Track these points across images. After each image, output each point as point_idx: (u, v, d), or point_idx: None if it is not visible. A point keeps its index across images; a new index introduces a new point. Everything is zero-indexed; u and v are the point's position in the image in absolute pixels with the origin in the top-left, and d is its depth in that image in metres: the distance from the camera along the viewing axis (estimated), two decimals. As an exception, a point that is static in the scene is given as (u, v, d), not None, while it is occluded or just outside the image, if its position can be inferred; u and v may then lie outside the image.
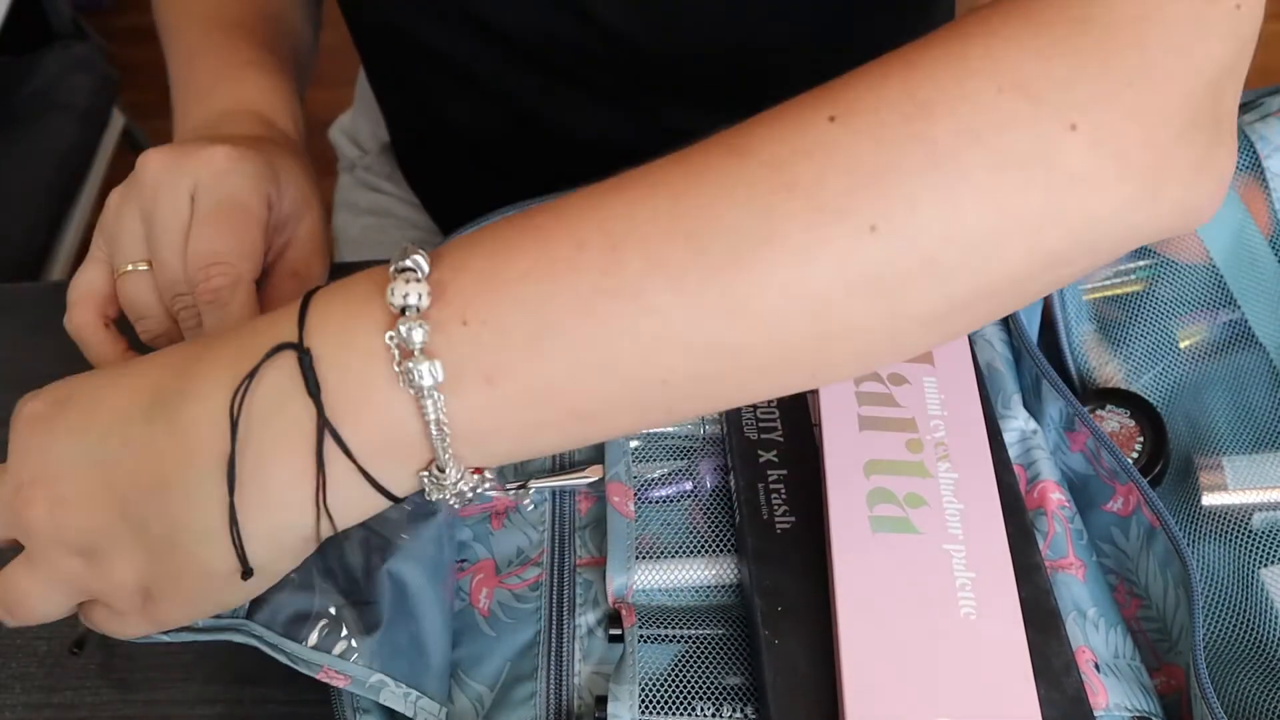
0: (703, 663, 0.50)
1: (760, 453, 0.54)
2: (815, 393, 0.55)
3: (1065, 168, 0.36)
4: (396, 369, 0.37)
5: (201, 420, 0.39)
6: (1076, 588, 0.53)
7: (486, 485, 0.41)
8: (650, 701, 0.48)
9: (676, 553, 0.53)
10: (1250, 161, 0.62)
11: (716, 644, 0.50)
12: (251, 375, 0.38)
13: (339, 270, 0.60)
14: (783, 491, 0.52)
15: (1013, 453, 0.56)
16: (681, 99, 0.75)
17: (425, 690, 0.49)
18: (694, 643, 0.50)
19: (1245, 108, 0.66)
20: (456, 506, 0.42)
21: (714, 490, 0.55)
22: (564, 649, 0.51)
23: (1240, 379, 0.59)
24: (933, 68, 0.37)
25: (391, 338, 0.37)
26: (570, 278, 0.37)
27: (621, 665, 0.49)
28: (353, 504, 0.40)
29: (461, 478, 0.40)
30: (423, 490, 0.41)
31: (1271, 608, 0.52)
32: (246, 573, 0.40)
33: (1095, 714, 0.47)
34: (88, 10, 1.90)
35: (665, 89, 0.74)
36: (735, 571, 0.52)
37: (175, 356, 0.41)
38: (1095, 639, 0.51)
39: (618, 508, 0.53)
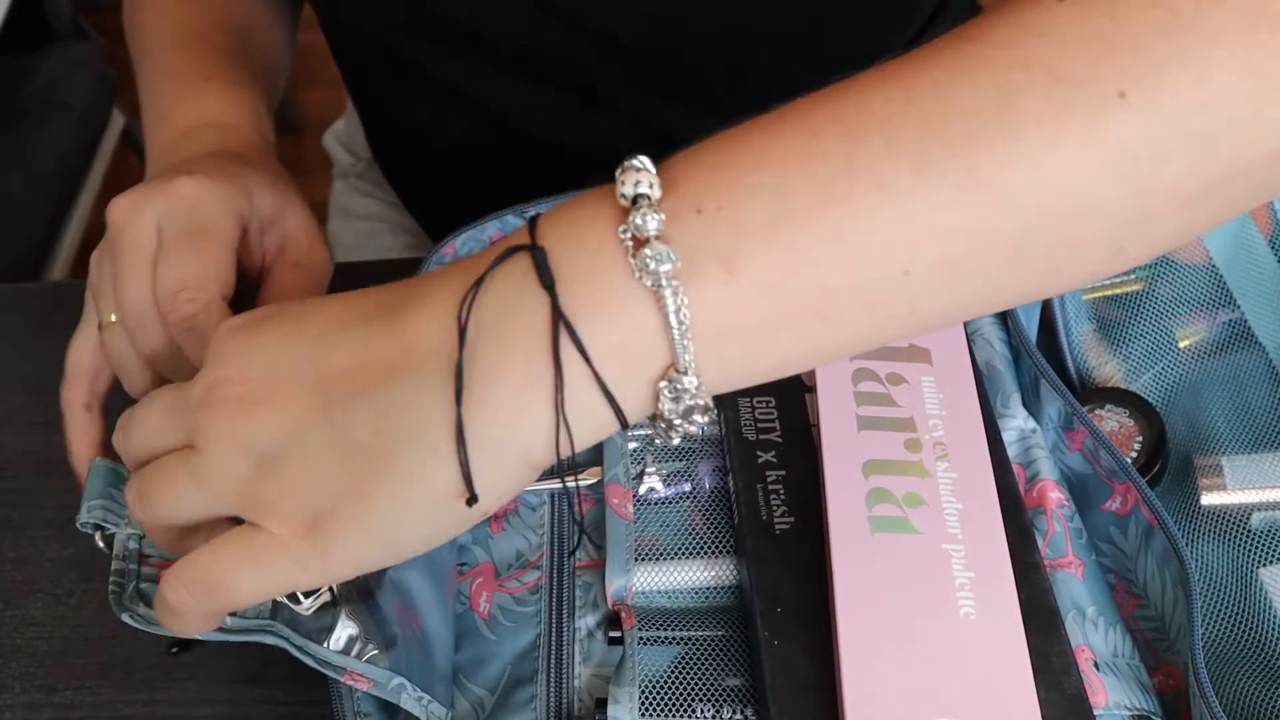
0: (702, 664, 0.50)
1: (759, 453, 0.54)
2: (813, 393, 0.55)
3: None
4: (632, 260, 0.35)
5: (428, 322, 0.37)
6: (1075, 586, 0.53)
7: (709, 417, 0.38)
8: (650, 703, 0.48)
9: (675, 554, 0.53)
10: None
11: (716, 645, 0.50)
12: (481, 280, 0.36)
13: (338, 271, 0.60)
14: (781, 492, 0.52)
15: (1012, 452, 0.56)
16: (671, 100, 0.75)
17: (434, 694, 0.49)
18: (693, 644, 0.50)
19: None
20: (674, 440, 0.39)
21: (713, 492, 0.55)
22: (564, 652, 0.51)
23: (1239, 379, 0.59)
24: None
25: (624, 230, 0.35)
26: (806, 164, 0.35)
27: (621, 668, 0.49)
28: (583, 418, 0.37)
29: (699, 389, 0.36)
30: (653, 418, 0.38)
31: (1270, 607, 0.52)
32: (472, 499, 0.37)
33: (1095, 713, 0.47)
34: (88, 10, 1.90)
35: (654, 91, 0.74)
36: (734, 573, 0.52)
37: (399, 283, 0.40)
38: (1094, 637, 0.51)
39: (617, 510, 0.53)
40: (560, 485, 0.56)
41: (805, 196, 0.35)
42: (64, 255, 1.58)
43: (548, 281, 0.36)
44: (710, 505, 0.55)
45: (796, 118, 0.36)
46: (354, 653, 0.46)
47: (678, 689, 0.49)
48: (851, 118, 0.36)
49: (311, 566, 0.39)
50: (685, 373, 0.36)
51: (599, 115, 0.76)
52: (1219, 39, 0.34)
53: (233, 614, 0.44)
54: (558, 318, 0.35)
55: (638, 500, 0.55)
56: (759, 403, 0.55)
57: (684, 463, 0.56)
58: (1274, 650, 0.51)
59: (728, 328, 0.36)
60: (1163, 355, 0.60)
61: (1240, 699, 0.50)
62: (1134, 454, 0.57)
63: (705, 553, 0.53)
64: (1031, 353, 0.57)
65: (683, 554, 0.53)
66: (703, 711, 0.48)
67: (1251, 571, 0.53)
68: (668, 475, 0.55)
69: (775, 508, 0.52)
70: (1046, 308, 0.61)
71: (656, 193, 0.36)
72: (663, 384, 0.36)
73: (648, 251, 0.35)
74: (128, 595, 0.47)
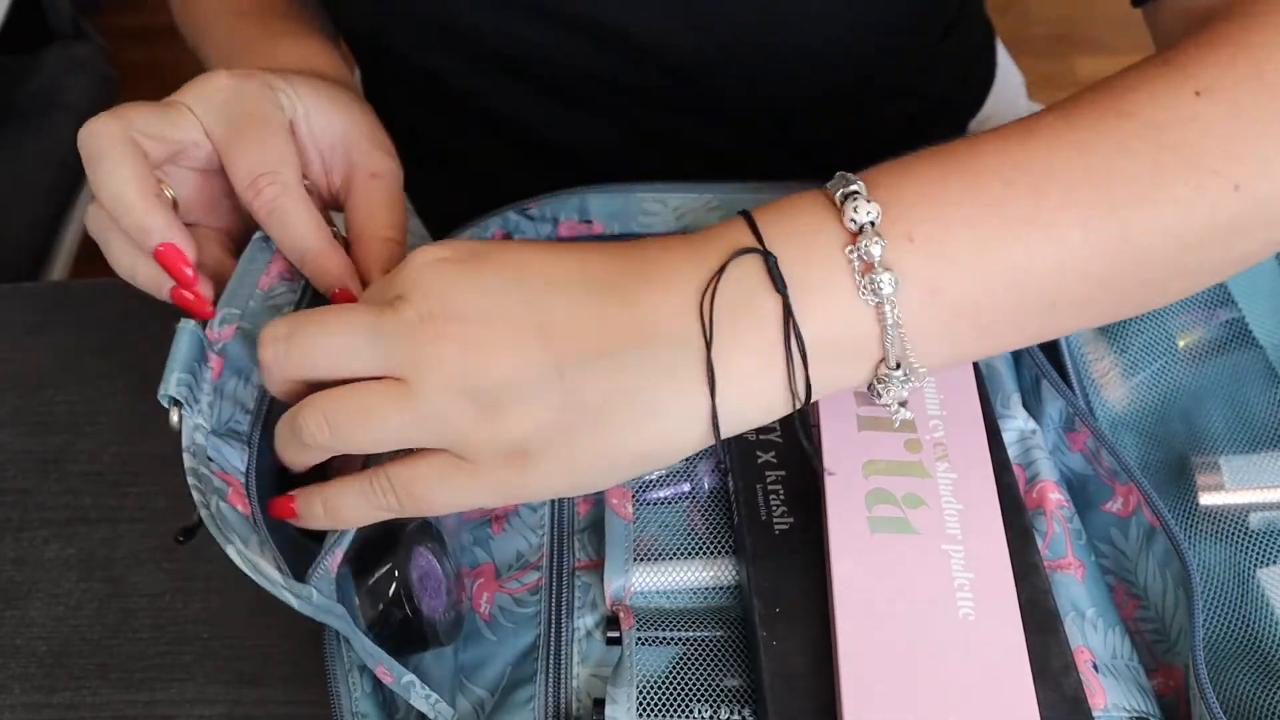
0: (701, 665, 0.50)
1: (758, 454, 0.54)
2: None
3: None
4: (859, 278, 0.42)
5: (663, 305, 0.42)
6: (1075, 588, 0.53)
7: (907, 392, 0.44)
8: (648, 704, 0.48)
9: (674, 555, 0.53)
10: None
11: (714, 646, 0.50)
12: (719, 273, 0.42)
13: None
14: (781, 492, 0.52)
15: (1012, 453, 0.56)
16: (691, 114, 0.74)
17: (442, 694, 0.49)
18: (692, 645, 0.50)
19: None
20: (899, 413, 0.46)
21: (712, 492, 0.55)
22: (562, 652, 0.51)
23: (1238, 378, 0.59)
24: (1269, 50, 0.43)
25: (851, 251, 0.42)
26: (999, 209, 0.42)
27: (619, 668, 0.49)
28: (776, 402, 0.43)
29: (910, 377, 0.44)
30: (870, 389, 0.45)
31: (1269, 607, 0.52)
32: (717, 433, 0.43)
33: (1093, 714, 0.47)
34: (88, 10, 1.90)
35: (677, 106, 0.74)
36: (733, 573, 0.53)
37: (615, 248, 0.44)
38: (1094, 639, 0.51)
39: (616, 510, 0.54)
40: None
41: (995, 237, 0.42)
42: (64, 255, 1.58)
43: (781, 287, 0.42)
44: (709, 505, 0.55)
45: (988, 163, 0.43)
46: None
47: (676, 689, 0.49)
48: (1036, 172, 0.42)
49: (506, 494, 0.43)
50: (895, 367, 0.43)
51: (624, 132, 0.76)
52: None
53: (318, 591, 0.44)
54: (789, 317, 0.42)
55: (636, 500, 0.55)
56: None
57: (683, 463, 0.56)
58: (1272, 651, 0.51)
59: (928, 334, 0.43)
60: (1160, 354, 0.60)
61: (1238, 699, 0.50)
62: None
63: (704, 553, 0.53)
64: (1033, 353, 0.57)
65: (682, 554, 0.53)
66: (700, 712, 0.48)
67: (1250, 572, 0.53)
68: (666, 475, 0.55)
69: (775, 508, 0.52)
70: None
71: (879, 220, 0.42)
72: (881, 370, 0.44)
73: (880, 277, 0.41)
74: (215, 513, 0.45)
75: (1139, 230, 0.42)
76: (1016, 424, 0.57)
